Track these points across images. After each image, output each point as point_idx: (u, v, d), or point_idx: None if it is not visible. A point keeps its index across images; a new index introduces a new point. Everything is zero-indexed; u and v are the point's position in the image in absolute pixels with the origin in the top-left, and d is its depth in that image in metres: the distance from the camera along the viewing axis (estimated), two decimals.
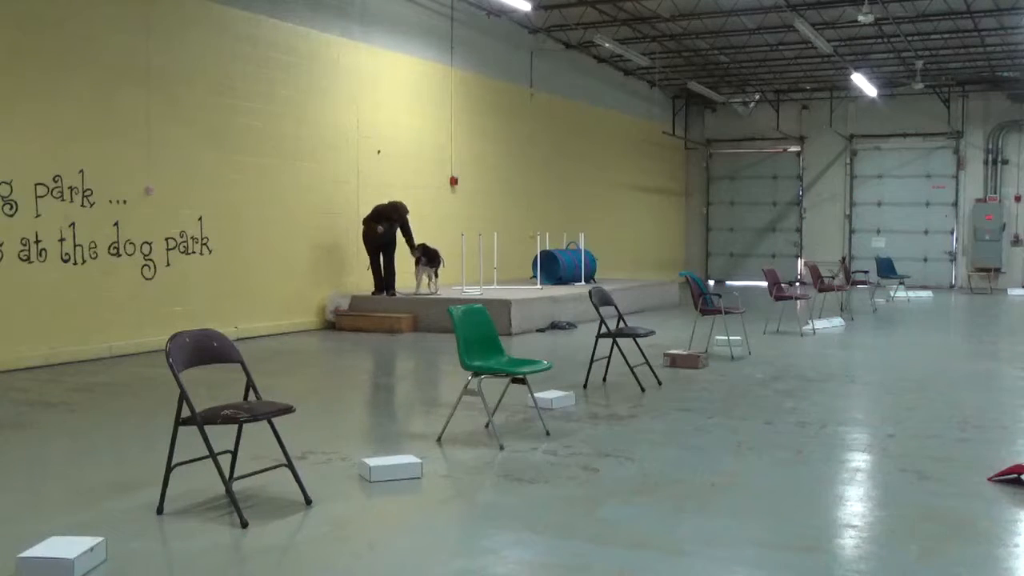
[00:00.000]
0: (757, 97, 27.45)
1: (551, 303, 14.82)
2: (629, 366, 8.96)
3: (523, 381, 6.87)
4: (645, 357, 9.24)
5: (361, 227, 14.64)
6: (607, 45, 18.64)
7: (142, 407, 8.28)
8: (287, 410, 5.23)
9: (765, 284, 14.33)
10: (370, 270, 14.86)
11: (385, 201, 14.81)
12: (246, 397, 5.33)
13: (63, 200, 10.64)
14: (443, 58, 17.21)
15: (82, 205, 10.85)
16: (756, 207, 29.10)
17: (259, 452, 5.68)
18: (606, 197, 23.91)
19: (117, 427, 7.49)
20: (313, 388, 9.57)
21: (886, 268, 21.34)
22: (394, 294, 14.76)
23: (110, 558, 4.35)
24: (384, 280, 14.81)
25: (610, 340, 8.98)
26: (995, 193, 25.95)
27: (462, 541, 4.80)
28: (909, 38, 19.96)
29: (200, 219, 12.37)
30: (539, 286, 16.33)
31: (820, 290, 15.97)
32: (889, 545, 4.66)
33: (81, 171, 10.82)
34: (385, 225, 14.56)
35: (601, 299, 9.19)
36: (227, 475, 5.01)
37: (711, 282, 28.03)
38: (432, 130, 17.01)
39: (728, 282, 28.17)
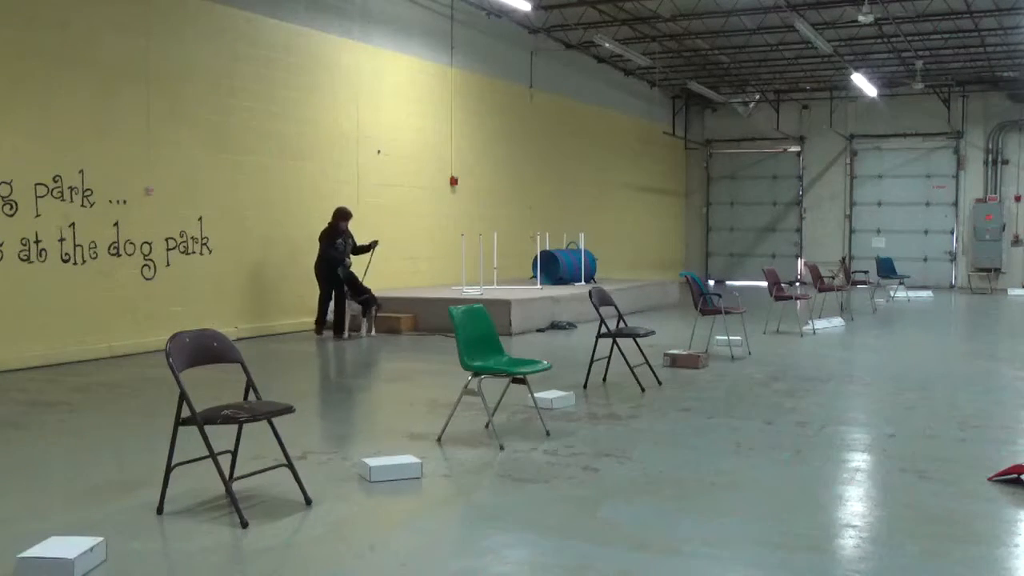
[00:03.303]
0: (757, 97, 27.44)
1: (551, 303, 14.82)
2: (629, 366, 8.96)
3: (523, 381, 6.87)
4: (645, 357, 9.24)
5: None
6: (607, 45, 18.64)
7: (142, 407, 8.28)
8: (287, 410, 5.23)
9: (765, 284, 14.33)
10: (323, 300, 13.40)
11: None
12: (246, 397, 5.33)
13: (63, 200, 10.64)
14: (443, 58, 17.21)
15: (82, 205, 10.85)
16: (756, 207, 29.11)
17: (259, 452, 5.68)
18: (606, 197, 23.91)
19: (117, 427, 7.49)
20: (313, 388, 9.57)
21: (886, 268, 21.34)
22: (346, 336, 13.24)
23: (110, 558, 4.35)
24: (337, 317, 13.32)
25: (610, 340, 8.98)
26: (995, 193, 25.95)
27: (462, 541, 4.80)
28: (909, 38, 19.96)
29: (200, 219, 12.37)
30: (539, 286, 16.33)
31: (820, 290, 15.97)
32: (889, 545, 4.65)
33: (81, 171, 10.82)
34: (340, 245, 13.17)
35: (601, 299, 9.18)
36: (227, 475, 5.01)
37: (711, 282, 28.04)
38: (432, 130, 17.01)
39: (728, 282, 28.18)
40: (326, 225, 13.27)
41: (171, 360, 4.97)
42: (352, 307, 13.25)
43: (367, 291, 13.36)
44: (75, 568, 4.11)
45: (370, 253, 13.55)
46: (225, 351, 5.34)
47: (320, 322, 13.43)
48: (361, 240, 13.71)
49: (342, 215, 13.26)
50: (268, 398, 5.58)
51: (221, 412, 5.01)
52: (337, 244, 13.23)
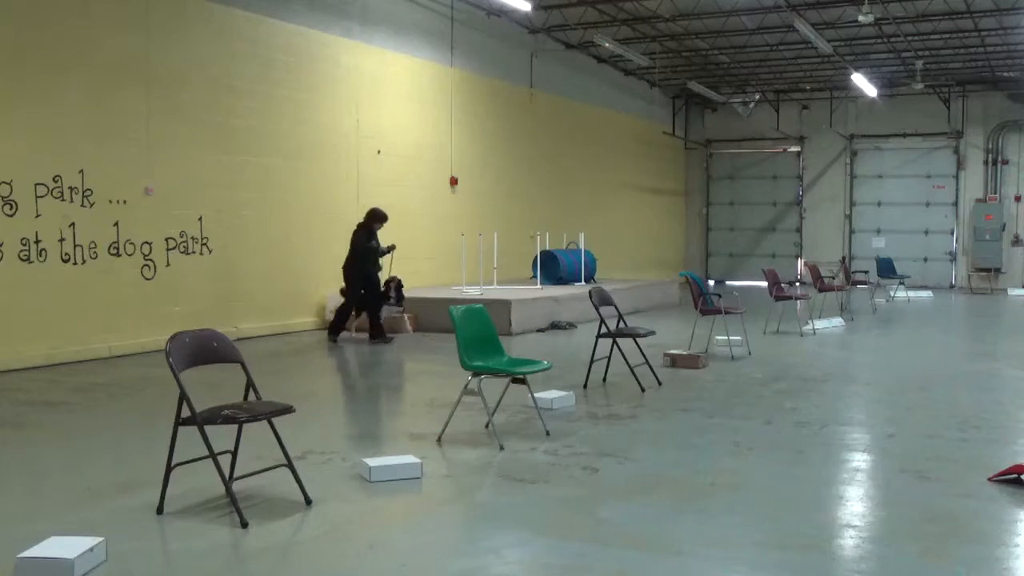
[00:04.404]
0: (757, 97, 27.45)
1: (551, 303, 14.82)
2: (629, 366, 8.96)
3: (523, 381, 6.87)
4: (645, 357, 9.24)
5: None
6: (607, 45, 18.64)
7: (142, 407, 8.28)
8: (287, 410, 5.23)
9: (765, 284, 14.33)
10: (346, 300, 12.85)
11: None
12: (246, 397, 5.33)
13: (63, 200, 10.64)
14: (443, 58, 17.21)
15: (82, 205, 10.85)
16: (756, 207, 29.10)
17: (259, 452, 5.68)
18: (606, 197, 23.91)
19: (117, 427, 7.49)
20: (313, 388, 9.57)
21: (886, 268, 21.35)
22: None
23: (110, 558, 4.35)
24: (341, 317, 12.86)
25: (610, 340, 8.98)
26: (995, 193, 25.95)
27: (462, 541, 4.80)
28: (909, 38, 19.96)
29: (200, 219, 12.36)
30: (539, 286, 16.33)
31: (820, 290, 15.97)
32: (889, 545, 4.65)
33: (81, 171, 10.82)
34: (375, 245, 12.75)
35: (601, 299, 9.18)
36: (227, 475, 5.01)
37: (711, 282, 28.03)
38: (432, 130, 17.01)
39: (728, 282, 28.17)
40: (357, 227, 12.72)
41: (171, 360, 4.97)
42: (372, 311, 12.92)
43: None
44: (75, 568, 4.10)
45: (389, 257, 13.13)
46: (225, 351, 5.34)
47: (341, 328, 12.81)
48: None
49: (378, 217, 12.73)
50: (268, 398, 5.58)
51: (221, 412, 5.01)
52: (372, 245, 12.70)
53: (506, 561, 4.40)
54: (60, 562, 4.11)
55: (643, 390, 8.77)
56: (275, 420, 5.18)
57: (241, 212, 12.98)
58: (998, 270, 25.56)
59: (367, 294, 12.75)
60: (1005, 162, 26.02)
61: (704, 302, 11.41)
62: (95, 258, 11.00)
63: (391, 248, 13.07)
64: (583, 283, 17.22)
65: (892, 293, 21.44)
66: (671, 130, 27.63)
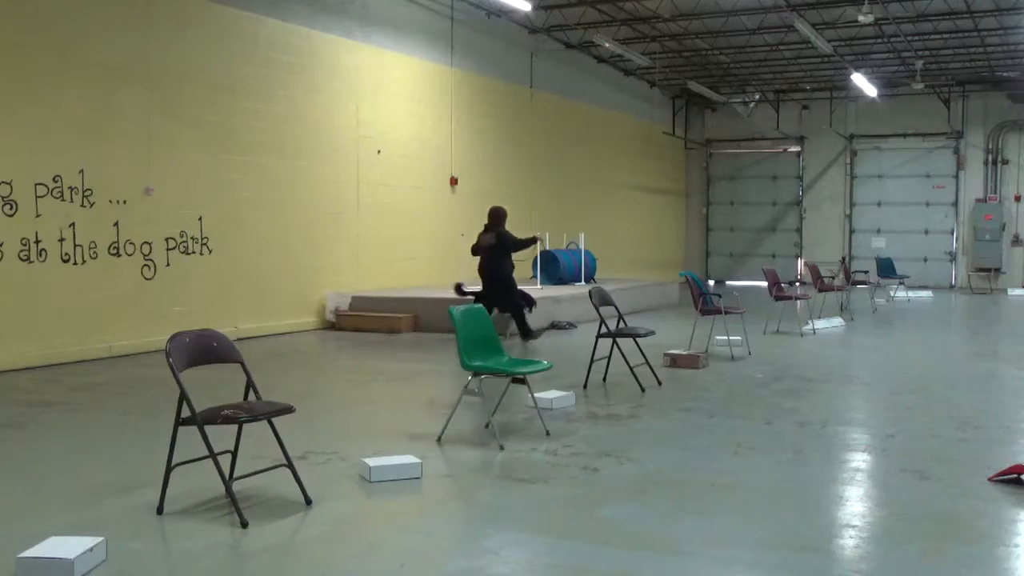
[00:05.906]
0: (757, 97, 27.44)
1: (551, 303, 14.81)
2: (629, 366, 8.96)
3: (523, 381, 6.87)
4: (645, 357, 9.24)
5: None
6: (607, 45, 18.64)
7: (142, 407, 8.28)
8: (287, 410, 5.23)
9: (765, 284, 14.33)
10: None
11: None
12: (246, 397, 5.33)
13: (63, 200, 10.64)
14: (443, 58, 17.21)
15: (82, 205, 10.85)
16: (756, 207, 29.11)
17: (259, 452, 5.68)
18: (606, 197, 23.91)
19: (117, 427, 7.49)
20: (313, 388, 9.56)
21: (886, 268, 21.35)
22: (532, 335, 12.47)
23: (110, 558, 4.35)
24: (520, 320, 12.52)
25: (610, 340, 8.98)
26: (995, 193, 25.96)
27: (462, 541, 4.80)
28: (909, 38, 19.96)
29: (200, 219, 12.36)
30: (539, 286, 16.32)
31: (820, 290, 15.98)
32: (889, 545, 4.66)
33: (81, 171, 10.82)
34: (490, 240, 12.39)
35: (601, 299, 9.19)
36: (227, 475, 5.01)
37: (711, 282, 28.04)
38: (432, 130, 17.01)
39: (728, 282, 28.17)
40: (489, 229, 12.54)
41: (171, 360, 4.97)
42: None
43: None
44: (75, 568, 4.10)
45: (532, 249, 12.68)
46: (225, 351, 5.34)
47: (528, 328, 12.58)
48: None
49: (505, 215, 12.63)
50: (268, 398, 5.58)
51: (221, 412, 5.01)
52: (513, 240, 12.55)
53: (506, 561, 4.40)
54: (60, 562, 4.11)
55: (643, 390, 8.77)
56: (275, 420, 5.18)
57: (241, 212, 12.98)
58: (998, 270, 25.57)
59: (500, 296, 12.49)
60: (1005, 162, 26.03)
61: (704, 302, 11.41)
62: (95, 258, 11.00)
63: (534, 239, 12.80)
64: (583, 283, 17.22)
65: (892, 293, 21.44)
66: (671, 130, 27.64)
